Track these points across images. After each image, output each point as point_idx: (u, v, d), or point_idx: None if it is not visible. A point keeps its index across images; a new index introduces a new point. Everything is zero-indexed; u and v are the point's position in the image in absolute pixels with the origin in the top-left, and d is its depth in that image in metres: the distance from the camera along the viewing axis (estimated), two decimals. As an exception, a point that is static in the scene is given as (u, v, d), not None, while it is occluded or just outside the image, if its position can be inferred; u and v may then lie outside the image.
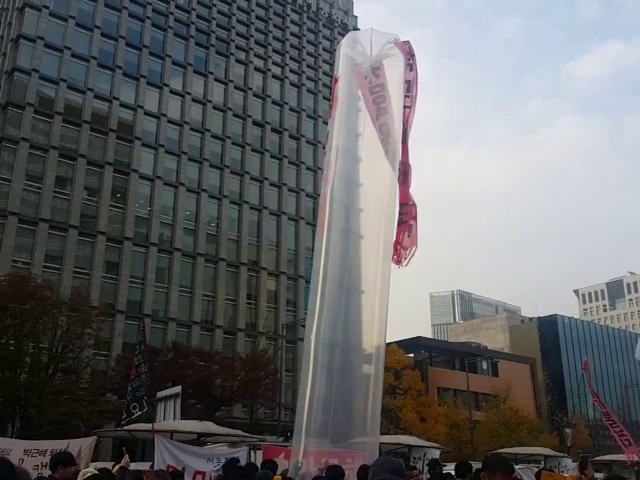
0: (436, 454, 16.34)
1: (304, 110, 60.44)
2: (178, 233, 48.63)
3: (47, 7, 47.11)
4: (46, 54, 46.21)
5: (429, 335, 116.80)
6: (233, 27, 58.05)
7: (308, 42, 63.64)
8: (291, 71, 61.00)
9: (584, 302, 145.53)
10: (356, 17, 70.00)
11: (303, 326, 10.66)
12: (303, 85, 61.32)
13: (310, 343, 7.70)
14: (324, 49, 64.02)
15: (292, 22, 63.10)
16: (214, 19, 56.92)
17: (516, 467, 13.10)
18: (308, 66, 62.53)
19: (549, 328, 79.36)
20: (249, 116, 56.14)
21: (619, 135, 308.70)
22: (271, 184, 55.39)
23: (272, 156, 56.56)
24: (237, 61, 57.36)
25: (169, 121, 51.03)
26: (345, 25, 65.67)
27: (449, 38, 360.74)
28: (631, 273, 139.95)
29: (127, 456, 8.75)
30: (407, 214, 8.04)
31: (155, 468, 10.16)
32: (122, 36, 50.51)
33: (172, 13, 54.36)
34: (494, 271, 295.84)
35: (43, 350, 31.28)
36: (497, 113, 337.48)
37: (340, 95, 8.55)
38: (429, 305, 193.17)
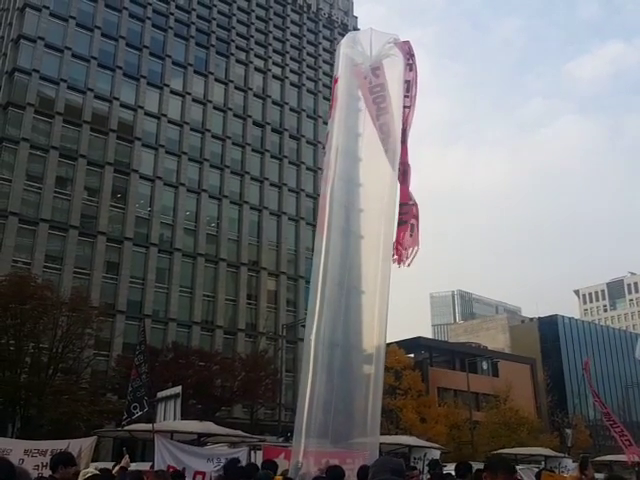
0: (436, 454, 16.35)
1: (304, 110, 60.48)
2: (178, 233, 48.65)
3: (47, 7, 47.15)
4: (46, 54, 46.25)
5: (429, 335, 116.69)
6: (233, 27, 58.08)
7: (308, 42, 63.70)
8: (291, 71, 61.04)
9: (584, 302, 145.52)
10: (356, 17, 70.08)
11: (303, 326, 10.65)
12: (303, 85, 61.36)
13: (310, 343, 7.69)
14: (324, 49, 64.05)
15: (292, 22, 63.14)
16: (214, 19, 56.97)
17: (516, 467, 13.08)
18: (308, 66, 62.58)
19: (549, 328, 79.36)
20: (249, 116, 56.17)
21: (619, 135, 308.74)
22: (271, 184, 55.41)
23: (272, 156, 56.59)
24: (237, 61, 57.39)
25: (169, 121, 51.06)
26: (345, 25, 65.71)
27: (449, 38, 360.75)
28: (631, 273, 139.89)
29: (127, 456, 8.76)
30: (407, 214, 8.03)
31: (155, 468, 10.16)
32: (122, 36, 50.55)
33: (172, 13, 54.39)
34: (494, 271, 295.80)
35: (43, 350, 31.29)
36: (497, 113, 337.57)
37: (340, 95, 8.54)
38: (429, 305, 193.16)
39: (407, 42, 8.61)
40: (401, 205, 8.10)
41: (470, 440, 42.24)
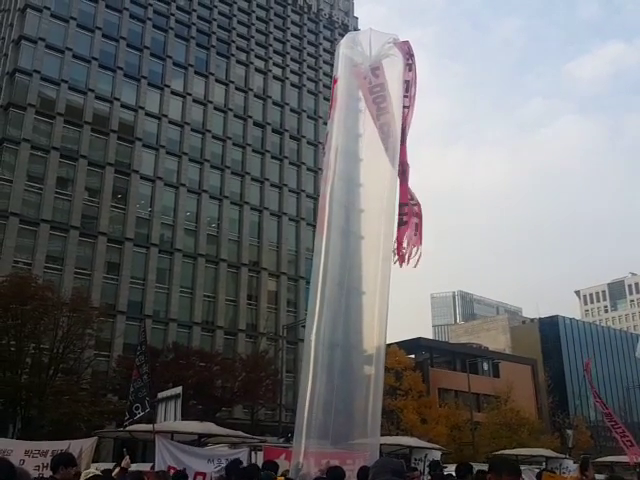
0: (437, 455, 16.34)
1: (305, 111, 60.50)
2: (179, 234, 48.66)
3: (48, 8, 47.19)
4: (47, 55, 46.29)
5: (430, 336, 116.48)
6: (234, 28, 58.11)
7: (309, 43, 63.71)
8: (292, 72, 61.05)
9: (585, 303, 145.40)
10: (357, 18, 70.09)
11: (304, 327, 10.63)
12: (304, 86, 61.37)
13: (310, 344, 7.68)
14: (325, 50, 64.02)
15: (293, 23, 63.16)
16: (215, 20, 57.00)
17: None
18: (309, 67, 62.60)
19: (550, 329, 79.34)
20: (250, 117, 56.18)
21: (619, 135, 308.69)
22: (272, 185, 55.42)
23: (273, 157, 56.60)
24: (238, 62, 57.41)
25: (170, 122, 51.08)
26: (346, 26, 65.69)
27: (449, 38, 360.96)
28: (632, 274, 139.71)
29: (128, 457, 8.74)
30: (407, 214, 8.02)
31: (156, 469, 10.18)
32: (123, 37, 50.58)
33: (173, 14, 54.43)
34: (494, 271, 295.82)
35: (44, 351, 31.29)
36: (497, 113, 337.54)
37: (339, 96, 8.53)
38: (430, 306, 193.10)
39: (406, 42, 8.60)
40: (401, 205, 8.09)
41: (471, 441, 42.16)
